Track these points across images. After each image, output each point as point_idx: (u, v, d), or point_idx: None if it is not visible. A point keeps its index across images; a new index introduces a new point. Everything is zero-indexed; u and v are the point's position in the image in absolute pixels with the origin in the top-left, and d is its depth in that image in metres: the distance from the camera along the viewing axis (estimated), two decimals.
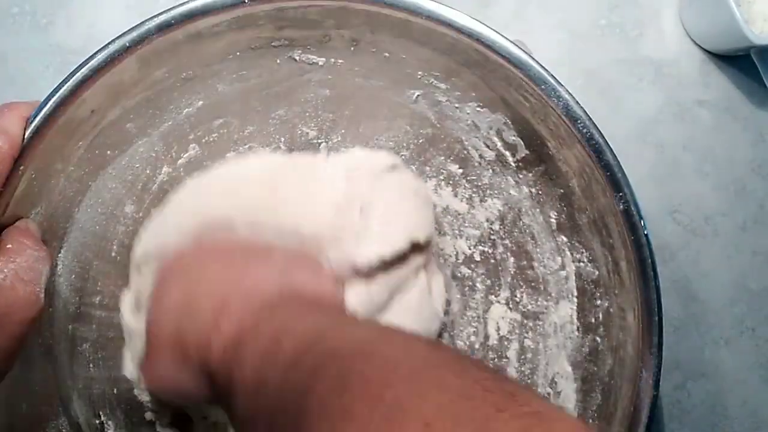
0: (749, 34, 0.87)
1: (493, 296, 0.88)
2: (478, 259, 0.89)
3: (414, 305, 0.79)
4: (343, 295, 0.72)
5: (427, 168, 0.89)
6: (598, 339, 0.77)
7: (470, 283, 0.89)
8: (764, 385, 0.92)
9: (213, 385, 0.64)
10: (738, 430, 0.92)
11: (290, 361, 0.54)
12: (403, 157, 0.88)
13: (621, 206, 0.71)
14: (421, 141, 0.87)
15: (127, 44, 0.70)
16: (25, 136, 0.67)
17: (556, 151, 0.76)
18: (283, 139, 0.88)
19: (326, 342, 0.54)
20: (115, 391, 0.83)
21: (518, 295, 0.86)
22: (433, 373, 0.47)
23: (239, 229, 0.75)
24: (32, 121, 0.67)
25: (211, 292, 0.67)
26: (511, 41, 0.72)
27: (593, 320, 0.78)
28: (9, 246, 0.65)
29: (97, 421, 0.81)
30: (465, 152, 0.86)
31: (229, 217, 0.76)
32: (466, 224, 0.89)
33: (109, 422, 0.82)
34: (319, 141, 0.88)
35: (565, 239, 0.80)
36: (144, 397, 0.83)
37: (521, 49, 0.72)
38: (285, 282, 0.67)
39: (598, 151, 0.71)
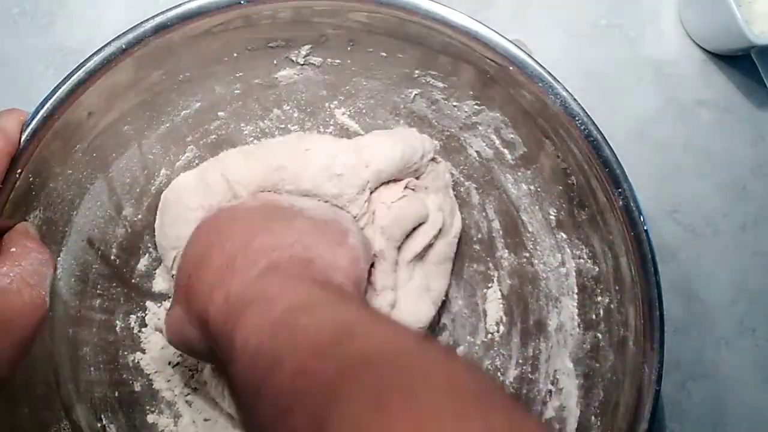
0: (749, 34, 0.87)
1: (493, 294, 0.88)
2: (477, 257, 0.89)
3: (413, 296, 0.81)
4: (363, 273, 0.72)
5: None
6: (599, 335, 0.77)
7: (470, 282, 0.90)
8: (764, 385, 0.92)
9: (212, 342, 0.63)
10: (738, 430, 0.91)
11: (313, 348, 0.52)
12: None
13: (620, 202, 0.71)
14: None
15: (123, 46, 0.70)
16: (23, 139, 0.67)
17: (555, 148, 0.76)
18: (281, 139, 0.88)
19: (357, 340, 0.52)
20: (116, 394, 0.84)
21: (518, 293, 0.87)
22: (480, 407, 0.45)
23: (283, 193, 0.78)
24: (29, 124, 0.68)
25: (223, 247, 0.66)
26: (508, 40, 0.72)
27: (594, 317, 0.78)
28: (13, 249, 0.64)
29: (99, 425, 0.81)
30: (463, 150, 0.86)
31: (278, 180, 0.78)
32: (466, 222, 0.89)
33: (111, 425, 0.82)
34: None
35: (564, 236, 0.80)
36: None
37: (520, 48, 0.72)
38: (298, 249, 0.66)
39: (596, 147, 0.71)
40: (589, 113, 0.72)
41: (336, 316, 0.56)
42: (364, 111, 0.87)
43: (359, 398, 0.46)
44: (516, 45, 0.72)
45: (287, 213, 0.72)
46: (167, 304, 0.88)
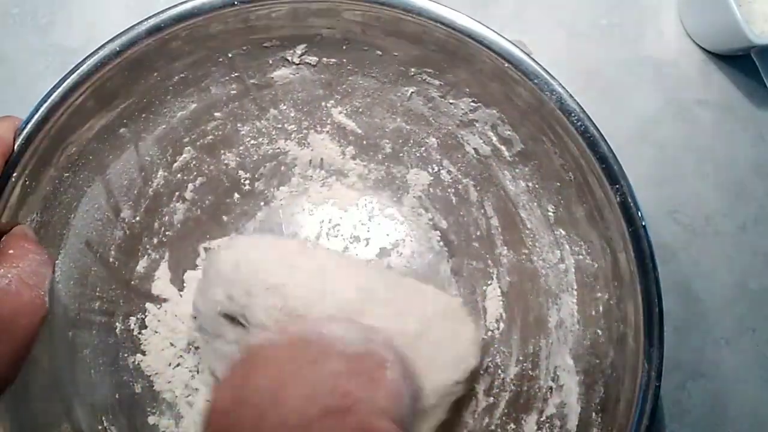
0: (749, 34, 0.87)
1: (492, 292, 0.88)
2: (476, 255, 0.89)
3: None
4: (408, 408, 0.67)
5: (424, 164, 0.90)
6: (599, 332, 0.77)
7: (469, 280, 0.90)
8: (764, 385, 0.91)
9: None
10: (738, 430, 0.91)
11: None
12: (399, 154, 0.90)
13: (618, 198, 0.71)
14: (417, 137, 0.88)
15: (118, 49, 0.71)
16: (18, 143, 0.67)
17: (552, 144, 0.76)
18: (278, 139, 0.89)
19: None
20: (117, 396, 0.84)
21: (518, 290, 0.86)
22: None
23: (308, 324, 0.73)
24: (23, 128, 0.68)
25: (252, 403, 0.63)
26: (504, 37, 0.72)
27: (594, 313, 0.78)
28: (11, 252, 0.64)
29: (100, 427, 0.81)
30: (461, 148, 0.86)
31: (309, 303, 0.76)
32: (464, 219, 0.89)
33: (112, 427, 0.82)
34: (316, 138, 0.90)
35: (563, 232, 0.80)
36: None
37: (519, 48, 0.72)
38: (334, 399, 0.62)
39: (593, 144, 0.71)
40: (586, 110, 0.72)
41: None
42: (360, 110, 0.87)
43: None
44: (516, 45, 0.72)
45: (317, 352, 0.67)
46: (167, 305, 0.88)
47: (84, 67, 0.70)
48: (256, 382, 0.65)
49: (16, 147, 0.67)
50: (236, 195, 0.91)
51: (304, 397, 0.62)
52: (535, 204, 0.82)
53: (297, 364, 0.65)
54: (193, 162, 0.86)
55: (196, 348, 0.88)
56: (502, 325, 0.87)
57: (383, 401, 0.64)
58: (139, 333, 0.87)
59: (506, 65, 0.72)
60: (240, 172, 0.90)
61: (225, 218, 0.91)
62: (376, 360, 0.67)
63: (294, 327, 0.72)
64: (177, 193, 0.87)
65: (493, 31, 0.72)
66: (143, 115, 0.79)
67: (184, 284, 0.90)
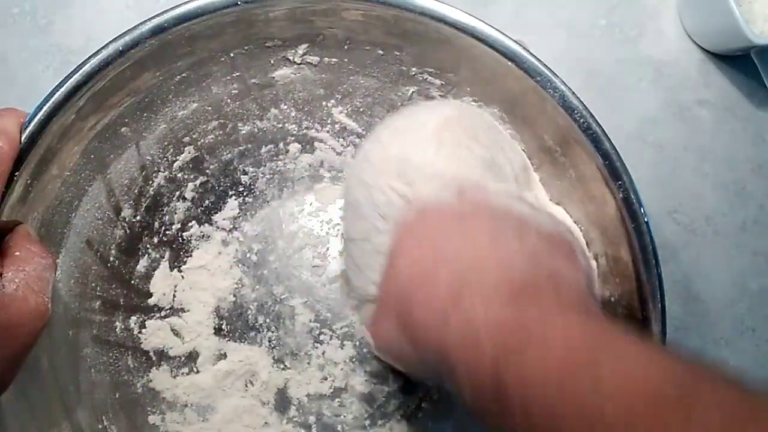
0: (749, 34, 0.87)
1: None
2: None
3: None
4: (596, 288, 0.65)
5: None
6: None
7: None
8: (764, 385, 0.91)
9: (446, 368, 0.57)
10: None
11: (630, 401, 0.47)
12: None
13: (620, 194, 0.71)
14: None
15: (121, 48, 0.70)
16: (21, 141, 0.67)
17: (554, 142, 0.77)
18: (279, 138, 0.89)
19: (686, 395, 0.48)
20: (117, 395, 0.83)
21: None
22: None
23: (492, 195, 0.67)
24: (26, 127, 0.68)
25: (449, 266, 0.59)
26: (505, 35, 0.72)
27: None
28: (17, 253, 0.64)
29: (100, 426, 0.81)
30: None
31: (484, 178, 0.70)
32: None
33: (113, 427, 0.82)
34: (316, 138, 0.90)
35: None
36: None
37: (519, 45, 0.72)
38: (540, 270, 0.59)
39: (595, 141, 0.71)
40: (587, 105, 0.72)
41: (634, 363, 0.51)
42: (361, 109, 0.87)
43: None
44: (517, 44, 0.72)
45: (513, 224, 0.63)
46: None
47: (87, 67, 0.70)
48: (449, 243, 0.61)
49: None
50: (236, 194, 0.91)
51: (508, 267, 0.58)
52: None
53: (497, 233, 0.61)
54: (194, 161, 0.86)
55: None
56: None
57: (583, 279, 0.62)
58: (139, 332, 0.86)
59: (508, 63, 0.72)
60: (240, 171, 0.90)
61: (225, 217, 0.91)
62: (568, 244, 0.65)
63: (472, 194, 0.66)
64: (177, 193, 0.87)
65: (495, 28, 0.72)
66: (144, 115, 0.79)
67: None
